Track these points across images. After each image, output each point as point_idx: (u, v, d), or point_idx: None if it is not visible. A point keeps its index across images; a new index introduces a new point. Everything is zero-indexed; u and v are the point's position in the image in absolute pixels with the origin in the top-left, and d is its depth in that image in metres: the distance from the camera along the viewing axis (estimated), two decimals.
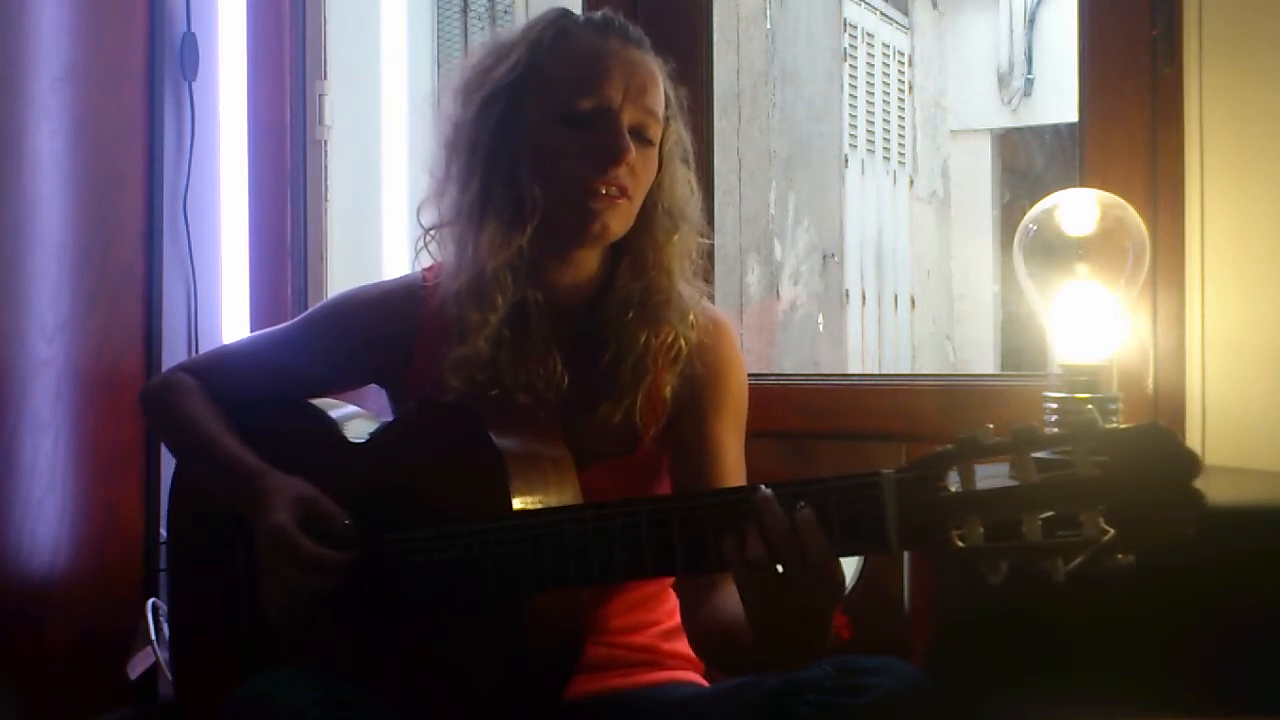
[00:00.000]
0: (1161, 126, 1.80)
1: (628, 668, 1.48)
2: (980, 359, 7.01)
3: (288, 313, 2.36)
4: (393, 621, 1.38)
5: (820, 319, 5.85)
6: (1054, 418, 1.52)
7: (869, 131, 6.29)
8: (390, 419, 1.56)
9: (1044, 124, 7.05)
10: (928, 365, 6.81)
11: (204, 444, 1.52)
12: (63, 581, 2.14)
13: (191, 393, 1.57)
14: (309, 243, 2.47)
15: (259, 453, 1.48)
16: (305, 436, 1.54)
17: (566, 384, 1.45)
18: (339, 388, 1.63)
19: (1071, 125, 5.25)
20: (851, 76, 6.10)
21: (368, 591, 1.39)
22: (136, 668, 2.16)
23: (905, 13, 6.79)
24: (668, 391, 1.47)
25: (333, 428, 1.54)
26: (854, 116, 6.14)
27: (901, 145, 6.66)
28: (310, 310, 1.65)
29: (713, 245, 1.63)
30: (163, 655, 2.09)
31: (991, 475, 1.10)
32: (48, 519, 2.12)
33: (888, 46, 6.51)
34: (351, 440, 1.51)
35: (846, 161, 6.06)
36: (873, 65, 6.33)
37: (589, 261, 1.48)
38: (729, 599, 1.32)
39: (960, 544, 1.09)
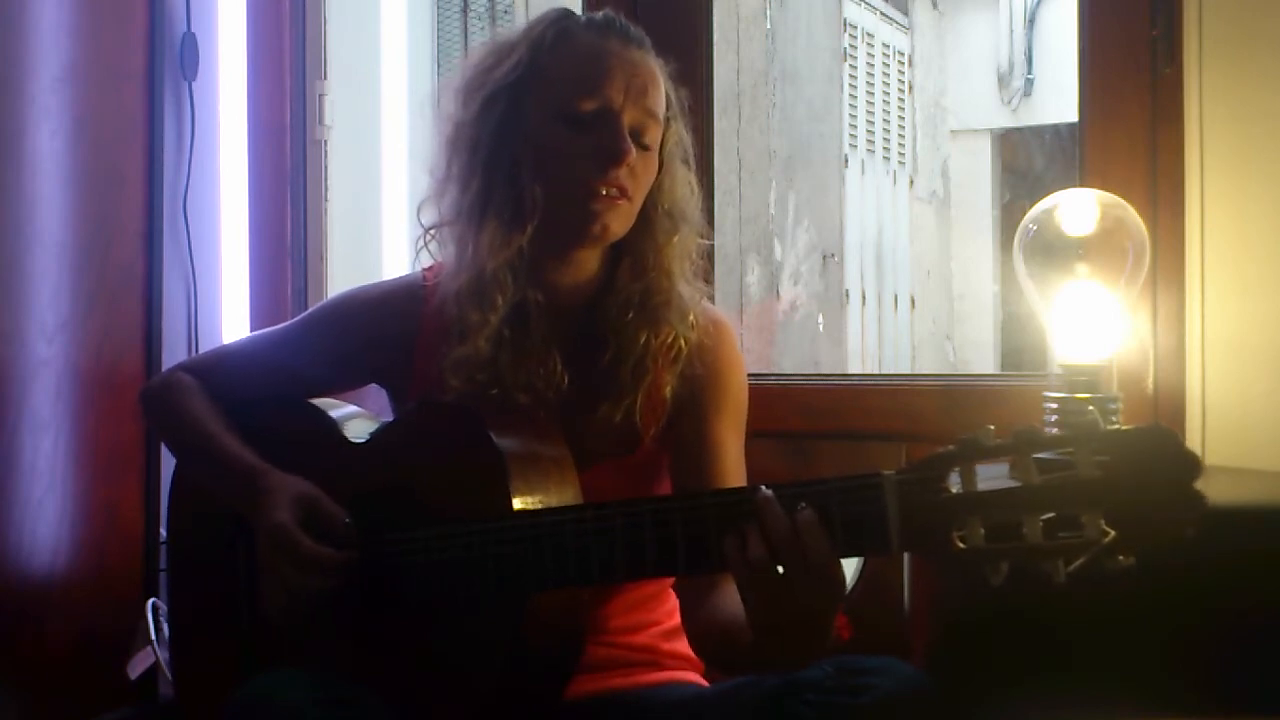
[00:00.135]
0: (1161, 126, 1.80)
1: (628, 668, 1.48)
2: (980, 359, 7.01)
3: (288, 313, 2.36)
4: (393, 621, 1.38)
5: (820, 319, 5.85)
6: (1054, 418, 1.52)
7: (869, 131, 6.29)
8: (390, 419, 1.56)
9: (1044, 124, 7.05)
10: (928, 365, 6.81)
11: (204, 443, 1.52)
12: (63, 581, 2.14)
13: (191, 392, 1.57)
14: (309, 243, 2.47)
15: (259, 452, 1.48)
16: (305, 436, 1.54)
17: (566, 384, 1.45)
18: (339, 388, 1.63)
19: (1071, 125, 5.25)
20: (851, 76, 6.10)
21: (368, 591, 1.39)
22: (136, 668, 2.16)
23: (905, 13, 6.79)
24: (668, 392, 1.47)
25: (333, 428, 1.54)
26: (854, 116, 6.14)
27: (901, 145, 6.66)
28: (310, 310, 1.65)
29: (713, 245, 1.63)
30: (163, 655, 2.09)
31: (992, 476, 1.10)
32: (48, 519, 2.12)
33: (888, 46, 6.51)
34: (351, 440, 1.51)
35: (846, 161, 6.06)
36: (873, 65, 6.33)
37: (589, 262, 1.48)
38: (729, 599, 1.32)
39: (961, 545, 1.09)
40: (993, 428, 1.09)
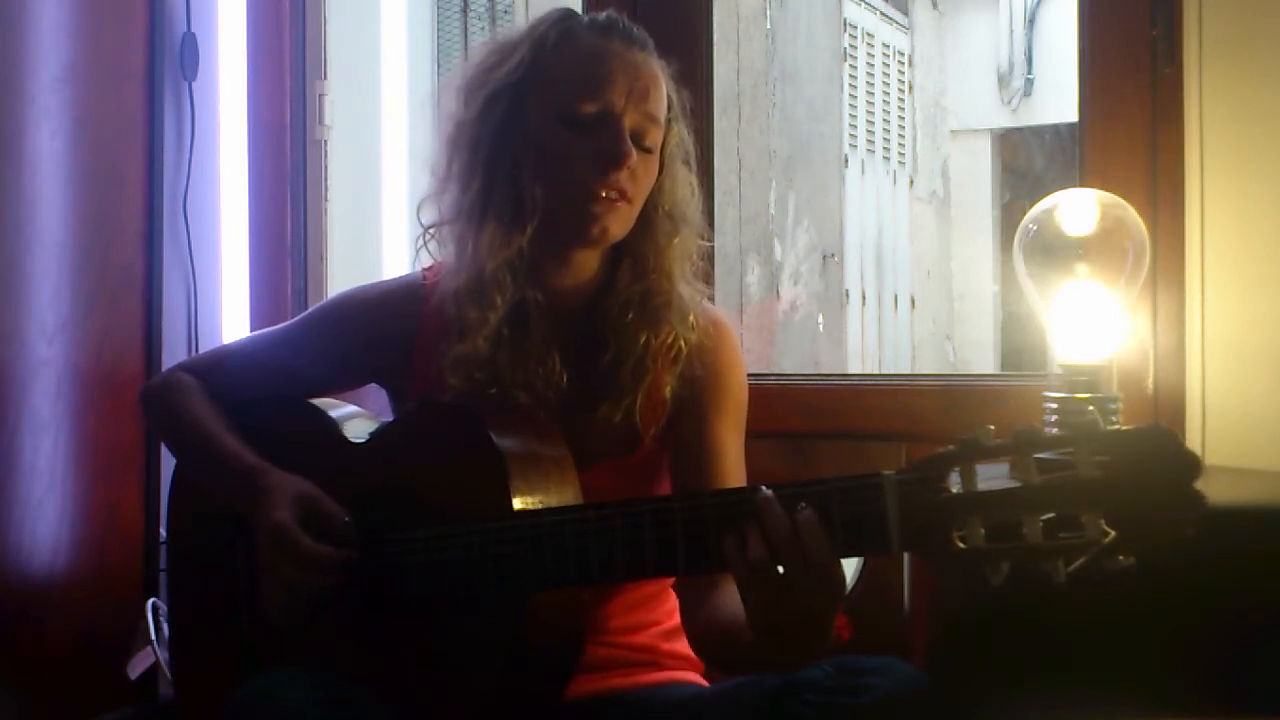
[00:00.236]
0: (1161, 126, 1.80)
1: (628, 668, 1.48)
2: (980, 359, 7.02)
3: (288, 313, 2.36)
4: (393, 621, 1.38)
5: (820, 319, 5.85)
6: (1054, 418, 1.52)
7: (869, 131, 6.29)
8: (390, 419, 1.56)
9: (1044, 124, 7.05)
10: (928, 365, 6.81)
11: (204, 443, 1.52)
12: (63, 581, 2.14)
13: (191, 392, 1.57)
14: (309, 243, 2.47)
15: (259, 452, 1.48)
16: (305, 436, 1.54)
17: (566, 384, 1.45)
18: (339, 387, 1.63)
19: (1071, 125, 5.25)
20: (851, 76, 6.10)
21: (368, 591, 1.39)
22: (136, 668, 2.16)
23: (905, 13, 6.80)
24: (668, 392, 1.47)
25: (333, 428, 1.54)
26: (854, 116, 6.14)
27: (901, 145, 6.66)
28: (310, 310, 1.65)
29: (713, 246, 1.63)
30: (163, 655, 2.09)
31: (993, 476, 1.10)
32: (48, 519, 2.12)
33: (888, 46, 6.51)
34: (351, 440, 1.51)
35: (846, 161, 6.06)
36: (873, 65, 6.33)
37: (588, 263, 1.48)
38: (729, 599, 1.32)
39: (961, 545, 1.09)
40: (993, 428, 1.09)
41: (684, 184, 1.49)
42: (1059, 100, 6.56)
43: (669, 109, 1.46)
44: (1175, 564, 1.08)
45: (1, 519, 2.05)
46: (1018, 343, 6.45)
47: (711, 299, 1.57)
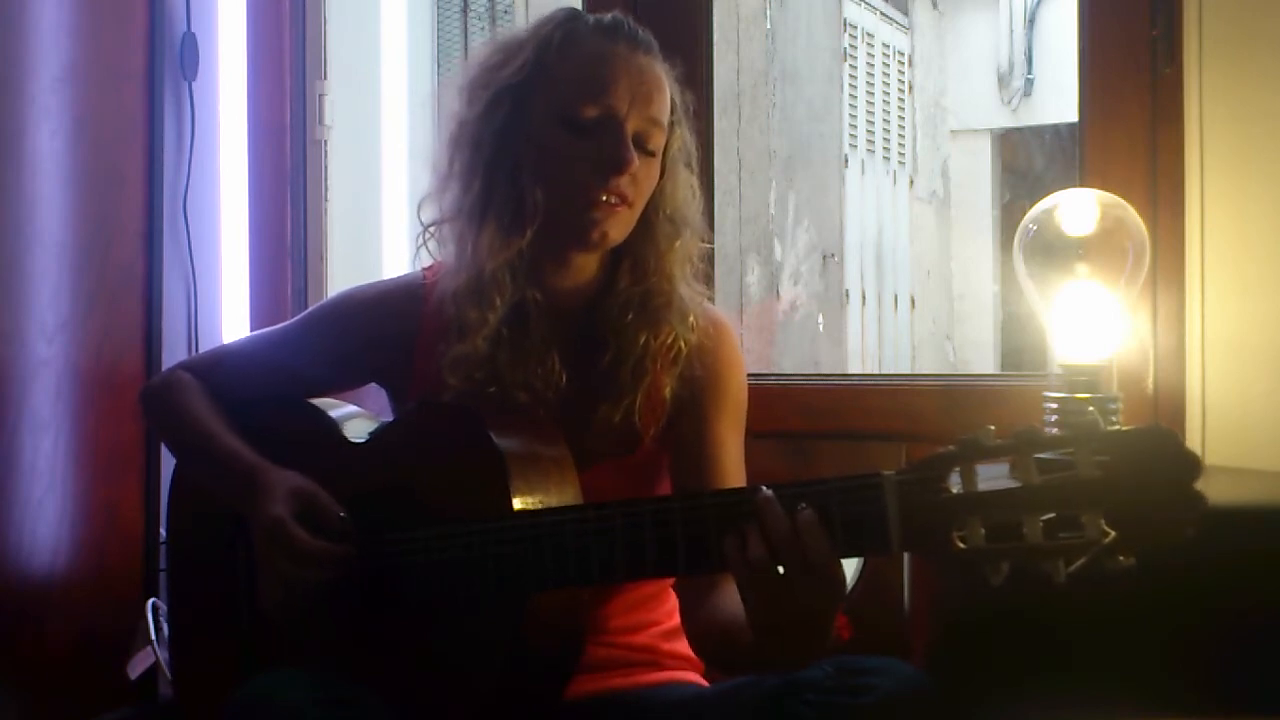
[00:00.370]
0: (1161, 126, 1.80)
1: (628, 668, 1.48)
2: (980, 359, 7.01)
3: (288, 313, 2.36)
4: (393, 621, 1.38)
5: (820, 319, 5.85)
6: (1054, 418, 1.52)
7: (869, 131, 6.29)
8: (390, 419, 1.56)
9: (1044, 124, 7.05)
10: (928, 365, 6.81)
11: (203, 441, 1.52)
12: (63, 581, 2.14)
13: (191, 390, 1.57)
14: (309, 243, 2.47)
15: (259, 452, 1.48)
16: (305, 436, 1.54)
17: (565, 384, 1.45)
18: (339, 387, 1.63)
19: (1071, 125, 5.25)
20: (851, 76, 6.10)
21: (368, 591, 1.39)
22: (136, 668, 2.16)
23: (905, 13, 6.79)
24: (667, 392, 1.47)
25: (333, 428, 1.54)
26: (854, 116, 6.14)
27: (901, 145, 6.66)
28: (310, 310, 1.65)
29: (713, 247, 1.63)
30: (163, 655, 2.09)
31: (993, 476, 1.10)
32: (48, 519, 2.12)
33: (888, 46, 6.51)
34: (351, 440, 1.51)
35: (846, 161, 6.06)
36: (873, 65, 6.33)
37: (588, 265, 1.48)
38: (729, 599, 1.32)
39: (961, 545, 1.09)
40: (993, 428, 1.09)
41: (685, 186, 1.49)
42: (1059, 100, 6.56)
43: (672, 111, 1.45)
44: (1175, 564, 1.08)
45: (1, 519, 2.05)
46: (1018, 343, 6.45)
47: (711, 299, 1.57)
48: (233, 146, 2.47)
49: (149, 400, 1.63)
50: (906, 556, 1.59)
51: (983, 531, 1.08)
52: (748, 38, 5.35)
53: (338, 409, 1.59)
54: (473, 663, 1.32)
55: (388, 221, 2.81)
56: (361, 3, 2.81)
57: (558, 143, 1.41)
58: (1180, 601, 1.32)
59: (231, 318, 2.48)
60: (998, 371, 6.59)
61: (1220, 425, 1.74)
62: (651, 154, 1.43)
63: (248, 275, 2.46)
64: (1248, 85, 1.74)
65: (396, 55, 2.93)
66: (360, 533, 1.39)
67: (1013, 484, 1.08)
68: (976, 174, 7.26)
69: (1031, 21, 6.96)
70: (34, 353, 2.10)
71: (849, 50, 6.08)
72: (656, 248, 1.46)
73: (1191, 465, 1.05)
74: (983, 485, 1.09)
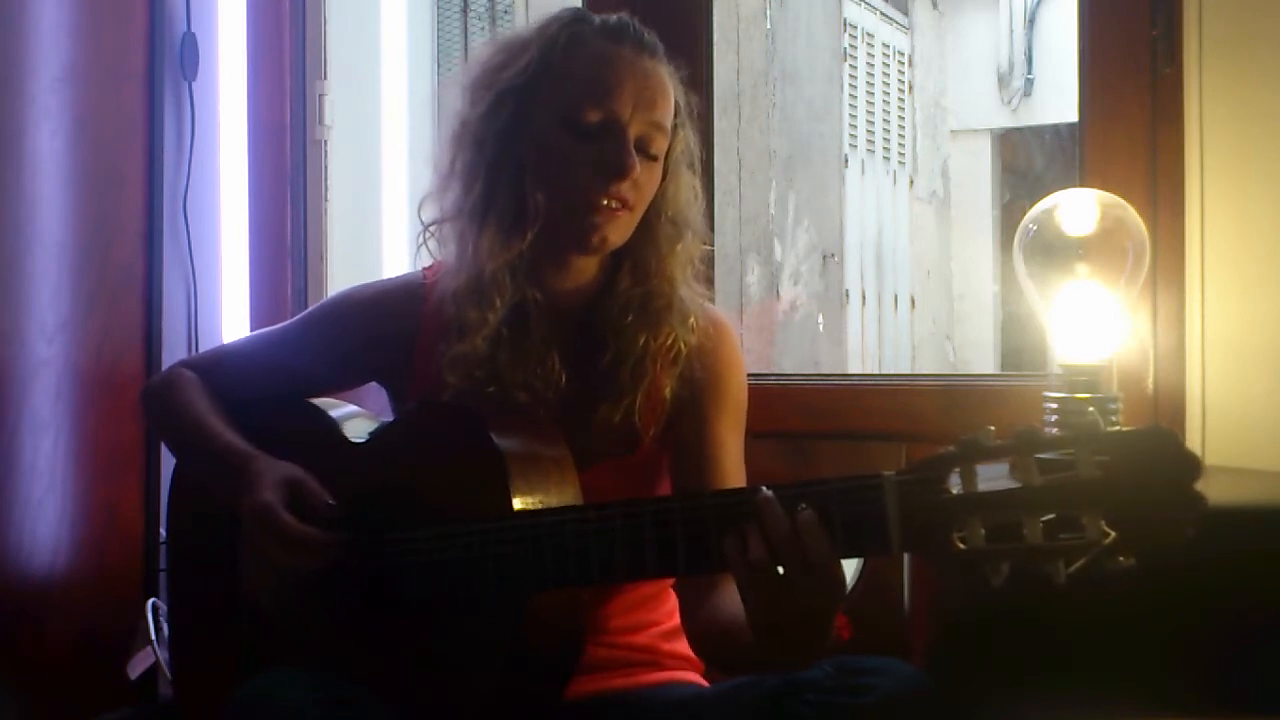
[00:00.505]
0: (1161, 126, 1.80)
1: (628, 668, 1.48)
2: (980, 359, 7.01)
3: (288, 313, 2.36)
4: (393, 621, 1.38)
5: (820, 319, 5.85)
6: (1054, 418, 1.52)
7: (869, 131, 6.29)
8: (390, 419, 1.56)
9: (1044, 124, 7.05)
10: (928, 365, 6.81)
11: (199, 433, 1.52)
12: (63, 581, 2.14)
13: (192, 385, 1.57)
14: (309, 243, 2.47)
15: (258, 448, 1.48)
16: (305, 436, 1.54)
17: (565, 384, 1.45)
18: (339, 387, 1.63)
19: (1071, 125, 5.25)
20: (851, 76, 6.10)
21: (368, 591, 1.39)
22: (136, 668, 2.16)
23: (905, 13, 6.79)
24: (667, 392, 1.47)
25: (333, 428, 1.54)
26: (854, 116, 6.14)
27: (901, 145, 6.66)
28: (310, 309, 1.64)
29: (712, 248, 1.63)
30: (163, 655, 2.09)
31: (993, 477, 1.09)
32: (48, 519, 2.12)
33: (888, 46, 6.51)
34: (351, 440, 1.51)
35: (846, 161, 6.06)
36: (873, 65, 6.33)
37: (588, 267, 1.48)
38: (729, 599, 1.32)
39: (961, 546, 1.09)
40: (993, 428, 1.09)
41: (688, 189, 1.49)
42: (1059, 100, 6.56)
43: (676, 114, 1.45)
44: (1175, 564, 1.08)
45: (1, 519, 2.05)
46: (1018, 343, 6.45)
47: (711, 300, 1.57)
48: (233, 146, 2.47)
49: (149, 398, 1.63)
50: (906, 557, 1.59)
51: (983, 532, 1.08)
52: (748, 38, 5.35)
53: (338, 409, 1.59)
54: (473, 663, 1.32)
55: (388, 221, 2.81)
56: (361, 3, 2.81)
57: (560, 146, 1.40)
58: (1180, 601, 1.32)
59: (231, 318, 2.48)
60: (998, 371, 6.59)
61: (1220, 425, 1.74)
62: (654, 158, 1.42)
63: (248, 275, 2.46)
64: (1248, 85, 1.74)
65: (396, 55, 2.93)
66: (360, 532, 1.39)
67: (1013, 484, 1.08)
68: (976, 174, 7.26)
69: (1031, 21, 6.95)
70: (34, 353, 2.10)
71: (849, 50, 6.08)
72: (658, 250, 1.46)
73: (1192, 466, 1.05)
74: (983, 486, 1.09)
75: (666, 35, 1.47)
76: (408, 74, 3.01)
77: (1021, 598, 1.12)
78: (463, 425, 1.38)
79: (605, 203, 1.39)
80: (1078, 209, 1.63)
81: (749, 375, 1.56)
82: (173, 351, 2.31)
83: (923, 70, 6.91)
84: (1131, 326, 1.67)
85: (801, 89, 5.66)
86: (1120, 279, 1.61)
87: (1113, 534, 1.04)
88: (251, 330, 2.38)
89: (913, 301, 6.79)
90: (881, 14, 6.45)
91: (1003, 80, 7.08)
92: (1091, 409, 1.49)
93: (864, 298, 6.29)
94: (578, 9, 1.50)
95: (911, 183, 6.79)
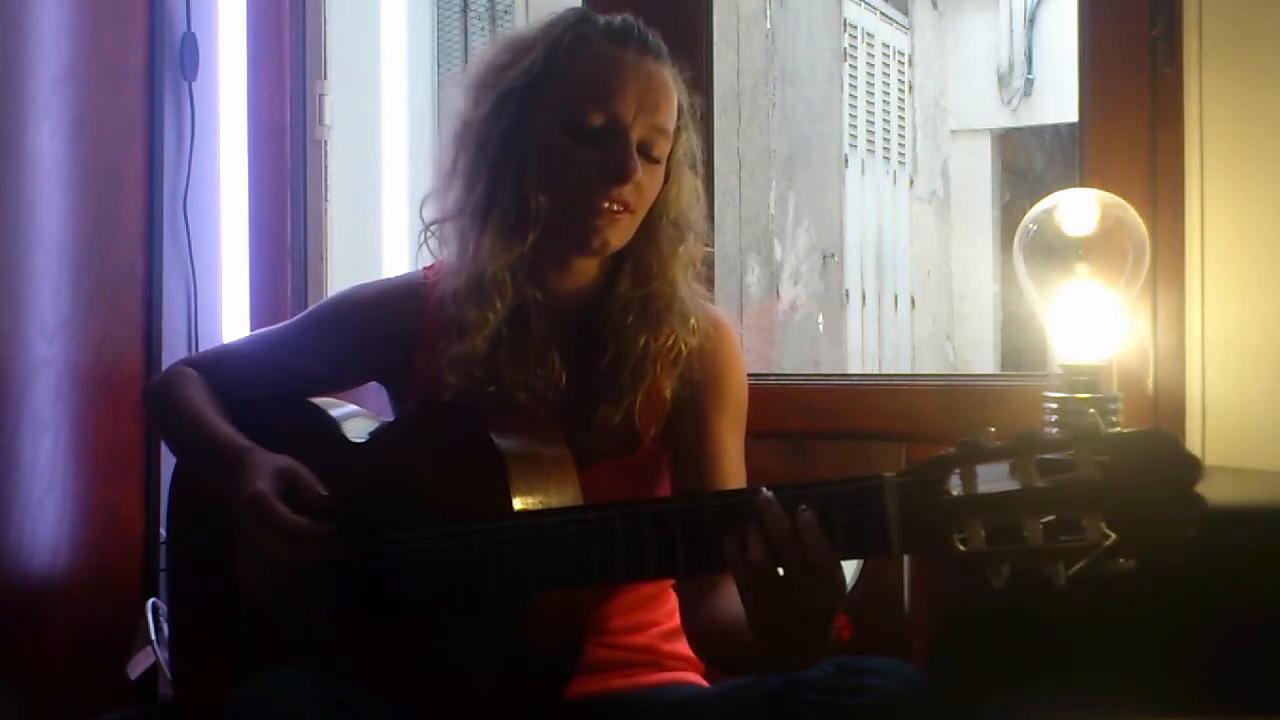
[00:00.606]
0: (1161, 126, 1.80)
1: (628, 668, 1.48)
2: (980, 359, 7.02)
3: (288, 313, 2.36)
4: (393, 621, 1.38)
5: (820, 319, 5.85)
6: (1054, 418, 1.52)
7: (869, 131, 6.29)
8: (390, 419, 1.56)
9: (1044, 124, 7.05)
10: (928, 365, 6.81)
11: (197, 430, 1.52)
12: (63, 581, 2.14)
13: (192, 382, 1.57)
14: (309, 243, 2.47)
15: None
16: (305, 436, 1.54)
17: (565, 384, 1.45)
18: (339, 386, 1.63)
19: (1071, 125, 5.25)
20: (851, 76, 6.11)
21: (368, 591, 1.39)
22: (136, 668, 2.16)
23: (905, 13, 6.80)
24: (667, 393, 1.47)
25: (333, 427, 1.54)
26: (854, 116, 6.14)
27: (901, 145, 6.66)
28: (310, 309, 1.65)
29: (712, 249, 1.63)
30: (163, 655, 2.09)
31: (993, 477, 1.09)
32: (48, 519, 2.12)
33: (888, 46, 6.51)
34: (351, 440, 1.51)
35: (846, 161, 6.07)
36: (873, 65, 6.33)
37: (589, 269, 1.47)
38: (729, 599, 1.32)
39: (962, 547, 1.09)
40: (993, 429, 1.09)
41: (690, 191, 1.48)
42: (1059, 100, 6.56)
43: (679, 117, 1.45)
44: (1175, 564, 1.08)
45: (1, 519, 2.04)
46: (1018, 343, 6.45)
47: (711, 300, 1.56)
48: (233, 146, 2.47)
49: (150, 396, 1.63)
50: (906, 557, 1.59)
51: (983, 533, 1.08)
52: (748, 38, 5.35)
53: (338, 409, 1.59)
54: (473, 663, 1.32)
55: (388, 221, 2.81)
56: (361, 3, 2.81)
57: (562, 148, 1.40)
58: (1180, 601, 1.32)
59: (231, 318, 2.48)
60: (998, 371, 6.60)
61: (1220, 425, 1.74)
62: (656, 161, 1.42)
63: (248, 275, 2.46)
64: (1248, 85, 1.74)
65: (396, 55, 2.93)
66: (360, 532, 1.39)
67: (1013, 486, 1.08)
68: (976, 174, 7.26)
69: (1031, 21, 6.96)
70: (34, 353, 2.10)
71: (849, 50, 6.08)
72: (659, 252, 1.46)
73: (1192, 468, 1.05)
74: (983, 487, 1.09)
75: (667, 35, 1.47)
76: (408, 74, 3.01)
77: (1021, 598, 1.12)
78: (463, 425, 1.38)
79: (606, 205, 1.39)
80: (1078, 209, 1.63)
81: (749, 375, 1.56)
82: (173, 351, 2.31)
83: (923, 70, 6.91)
84: (1131, 326, 1.67)
85: (801, 89, 5.66)
86: (1120, 279, 1.61)
87: (1113, 536, 1.04)
88: (252, 330, 2.38)
89: (913, 301, 6.79)
90: (881, 14, 6.46)
91: (1003, 80, 7.08)
92: (1091, 409, 1.49)
93: (864, 298, 6.29)
94: (582, 9, 1.49)
95: (911, 183, 6.79)
